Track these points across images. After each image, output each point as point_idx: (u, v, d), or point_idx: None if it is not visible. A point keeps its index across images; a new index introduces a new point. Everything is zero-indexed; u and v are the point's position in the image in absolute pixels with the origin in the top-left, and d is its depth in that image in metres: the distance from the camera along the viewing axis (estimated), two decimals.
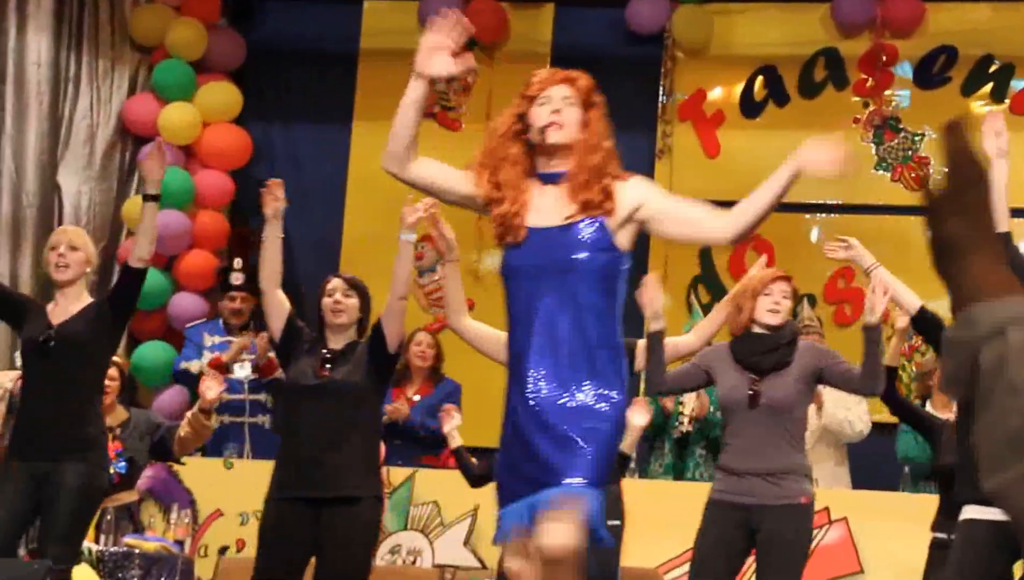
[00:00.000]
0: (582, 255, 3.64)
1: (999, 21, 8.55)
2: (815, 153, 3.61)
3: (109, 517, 6.34)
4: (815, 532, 5.43)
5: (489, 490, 6.31)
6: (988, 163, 4.80)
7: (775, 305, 5.30)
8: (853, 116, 8.68)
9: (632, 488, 5.97)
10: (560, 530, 3.49)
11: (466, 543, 7.00)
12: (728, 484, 5.23)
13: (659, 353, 5.30)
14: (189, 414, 6.15)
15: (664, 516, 6.43)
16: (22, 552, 5.64)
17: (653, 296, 5.31)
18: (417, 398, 7.50)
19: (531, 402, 3.60)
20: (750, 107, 8.74)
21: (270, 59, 9.27)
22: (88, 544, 6.07)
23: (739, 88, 8.78)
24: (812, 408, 6.23)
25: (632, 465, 6.65)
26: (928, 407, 6.61)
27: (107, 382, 5.81)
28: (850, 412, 7.12)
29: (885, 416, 7.54)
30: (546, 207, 3.71)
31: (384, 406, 7.14)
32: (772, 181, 3.64)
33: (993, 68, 8.57)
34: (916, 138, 8.63)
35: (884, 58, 8.66)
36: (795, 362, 5.27)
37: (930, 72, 8.64)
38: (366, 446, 5.25)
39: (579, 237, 3.66)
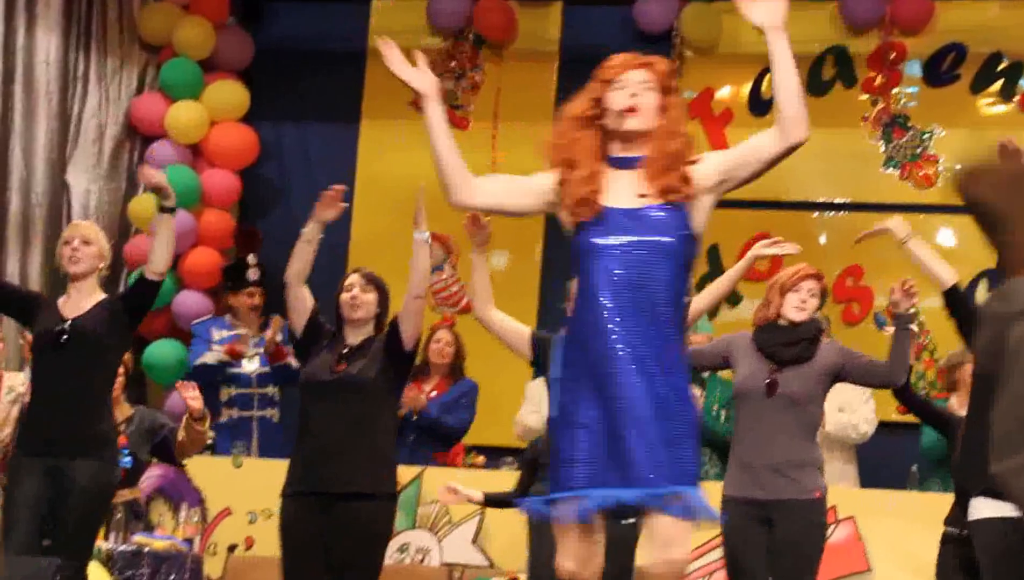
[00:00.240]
0: (660, 238, 3.58)
1: (1008, 19, 8.54)
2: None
3: (119, 515, 6.35)
4: None
5: (497, 490, 6.33)
6: None
7: (802, 303, 5.32)
8: (862, 114, 8.67)
9: None
10: (676, 548, 3.47)
11: (474, 542, 7.00)
12: (742, 479, 5.24)
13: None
14: (184, 421, 6.16)
15: None
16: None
17: None
18: (434, 394, 7.50)
19: (619, 389, 3.50)
20: (759, 105, 8.73)
21: (278, 58, 9.27)
22: (98, 542, 6.08)
23: (747, 86, 8.78)
24: None
25: None
26: (952, 400, 6.62)
27: None
28: (855, 415, 7.11)
29: (892, 415, 7.54)
30: (621, 190, 3.63)
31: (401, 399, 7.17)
32: (775, 61, 3.68)
33: (1002, 66, 8.55)
34: (925, 136, 8.62)
35: (893, 56, 8.65)
36: (816, 358, 5.29)
37: (939, 70, 8.63)
38: (380, 443, 5.25)
39: (657, 220, 3.59)
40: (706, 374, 6.87)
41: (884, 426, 7.27)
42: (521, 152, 7.72)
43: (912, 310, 5.31)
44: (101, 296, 5.59)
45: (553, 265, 8.58)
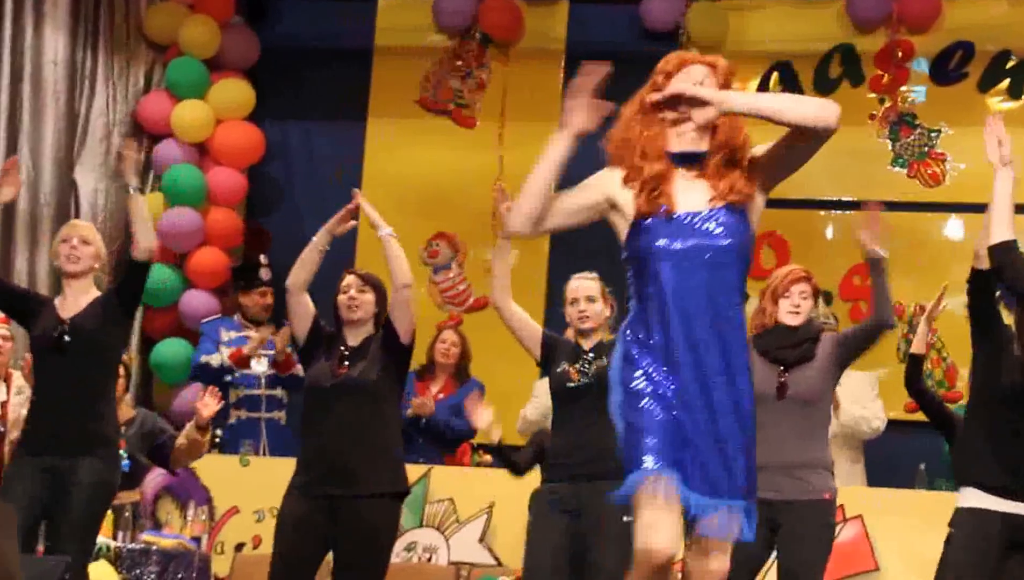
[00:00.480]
0: (726, 241, 3.56)
1: (1016, 17, 8.52)
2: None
3: (127, 514, 6.35)
4: None
5: (504, 488, 6.33)
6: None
7: (795, 307, 5.34)
8: (869, 112, 8.66)
9: None
10: (718, 559, 3.54)
11: (481, 540, 7.00)
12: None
13: None
14: (187, 427, 6.16)
15: None
16: (39, 548, 5.64)
17: None
18: (441, 396, 7.49)
19: (695, 398, 3.49)
20: None
21: (284, 57, 9.27)
22: (107, 540, 6.09)
23: (754, 84, 8.76)
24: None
25: None
26: None
27: None
28: (866, 410, 7.10)
29: (901, 414, 7.53)
30: (685, 189, 3.62)
31: (410, 400, 7.16)
32: (760, 110, 3.72)
33: (1010, 64, 8.54)
34: (932, 134, 8.61)
35: (900, 54, 8.64)
36: (819, 355, 5.31)
37: (946, 68, 8.61)
38: (386, 442, 5.25)
39: (723, 222, 3.58)
40: None
41: (892, 424, 7.25)
42: (528, 150, 7.69)
43: (882, 252, 5.33)
44: (96, 293, 5.61)
45: (560, 262, 8.57)
